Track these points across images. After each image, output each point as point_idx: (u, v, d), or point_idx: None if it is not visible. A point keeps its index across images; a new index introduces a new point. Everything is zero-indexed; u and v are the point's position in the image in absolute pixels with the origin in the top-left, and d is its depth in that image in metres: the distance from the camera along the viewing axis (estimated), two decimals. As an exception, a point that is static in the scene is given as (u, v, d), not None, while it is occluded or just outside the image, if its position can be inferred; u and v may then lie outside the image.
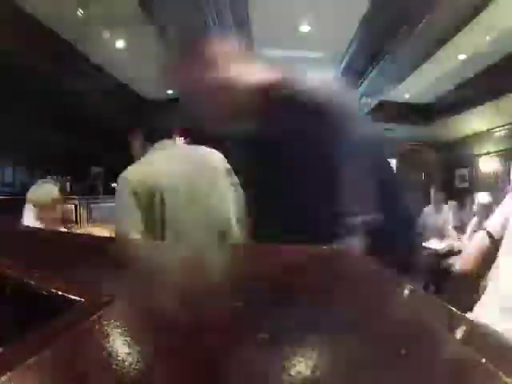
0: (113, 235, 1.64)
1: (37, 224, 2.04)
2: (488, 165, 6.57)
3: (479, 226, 2.54)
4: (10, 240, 0.95)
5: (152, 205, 1.21)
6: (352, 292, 0.47)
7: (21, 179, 5.34)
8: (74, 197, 4.99)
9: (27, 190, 2.28)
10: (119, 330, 0.33)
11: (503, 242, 1.09)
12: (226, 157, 1.43)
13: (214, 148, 1.48)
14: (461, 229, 4.23)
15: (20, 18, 3.49)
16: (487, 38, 4.09)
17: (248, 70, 0.97)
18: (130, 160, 1.47)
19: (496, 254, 1.10)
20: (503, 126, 6.16)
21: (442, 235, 3.95)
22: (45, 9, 3.50)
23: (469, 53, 4.51)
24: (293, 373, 0.25)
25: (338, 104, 0.88)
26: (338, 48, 4.62)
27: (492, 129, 6.40)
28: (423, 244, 3.77)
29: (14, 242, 0.91)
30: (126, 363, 0.25)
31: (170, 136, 1.49)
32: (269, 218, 0.92)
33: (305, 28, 4.19)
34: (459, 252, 3.53)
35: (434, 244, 3.75)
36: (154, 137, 1.45)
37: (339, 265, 0.62)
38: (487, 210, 3.17)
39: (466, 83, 5.37)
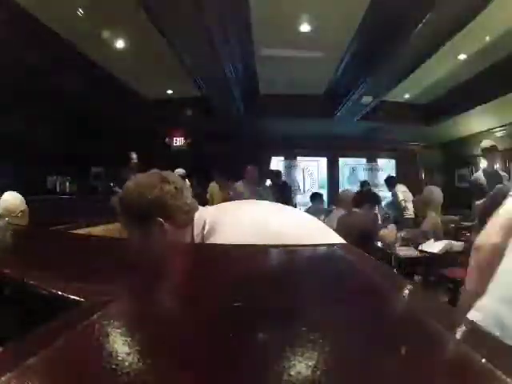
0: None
1: None
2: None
3: (479, 229, 2.52)
4: (11, 240, 0.95)
5: None
6: (353, 290, 0.47)
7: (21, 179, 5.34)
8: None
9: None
10: (119, 330, 0.33)
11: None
12: None
13: None
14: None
15: (21, 18, 3.49)
16: (487, 38, 4.09)
17: None
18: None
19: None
20: (503, 126, 6.16)
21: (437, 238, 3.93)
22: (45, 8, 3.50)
23: (469, 53, 4.51)
24: (293, 372, 0.25)
25: None
26: (337, 48, 4.62)
27: (492, 129, 6.40)
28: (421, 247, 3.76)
29: (15, 242, 0.92)
30: (126, 363, 0.25)
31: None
32: None
33: (305, 28, 4.19)
34: (458, 253, 3.52)
35: (429, 247, 3.71)
36: None
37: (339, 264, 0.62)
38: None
39: (466, 83, 5.37)
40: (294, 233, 0.94)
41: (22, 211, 2.20)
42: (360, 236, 2.81)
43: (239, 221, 0.97)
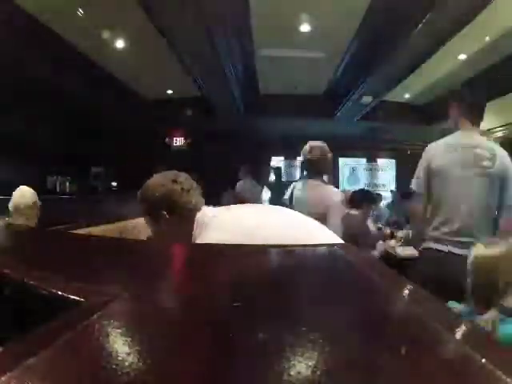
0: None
1: None
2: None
3: None
4: (11, 240, 0.95)
5: None
6: (352, 290, 0.47)
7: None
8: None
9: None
10: (119, 330, 0.33)
11: None
12: None
13: None
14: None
15: (21, 18, 3.48)
16: (487, 38, 4.09)
17: None
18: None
19: None
20: (503, 125, 6.15)
21: None
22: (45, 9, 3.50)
23: (469, 53, 4.51)
24: (293, 372, 0.25)
25: None
26: (337, 48, 4.62)
27: (492, 129, 6.40)
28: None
29: (15, 242, 0.91)
30: (126, 363, 0.25)
31: None
32: None
33: (305, 28, 4.19)
34: None
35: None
36: None
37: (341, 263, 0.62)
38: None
39: (467, 83, 5.36)
40: (291, 233, 0.98)
41: (33, 202, 2.24)
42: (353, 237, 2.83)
43: (231, 222, 1.05)
